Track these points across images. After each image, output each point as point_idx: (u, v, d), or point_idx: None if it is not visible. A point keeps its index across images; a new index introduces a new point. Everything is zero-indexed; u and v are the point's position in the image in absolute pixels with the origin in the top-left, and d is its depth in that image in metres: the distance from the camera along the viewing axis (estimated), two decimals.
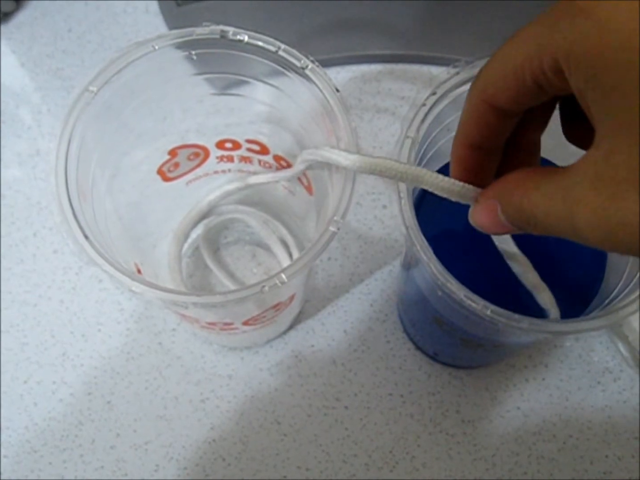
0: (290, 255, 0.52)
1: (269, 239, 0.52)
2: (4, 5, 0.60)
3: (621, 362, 0.52)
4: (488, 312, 0.34)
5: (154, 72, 0.39)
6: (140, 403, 0.52)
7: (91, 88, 0.37)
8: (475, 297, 0.35)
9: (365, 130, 0.58)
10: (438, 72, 0.58)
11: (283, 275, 0.34)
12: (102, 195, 0.39)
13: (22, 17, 0.62)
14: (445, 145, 0.43)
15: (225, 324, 0.43)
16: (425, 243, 0.36)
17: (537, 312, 0.40)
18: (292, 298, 0.44)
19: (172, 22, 0.60)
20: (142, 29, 0.62)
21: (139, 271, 0.42)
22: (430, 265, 0.35)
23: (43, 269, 0.54)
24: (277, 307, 0.42)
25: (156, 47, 0.38)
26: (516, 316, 0.35)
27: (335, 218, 0.35)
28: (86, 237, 0.34)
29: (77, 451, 0.51)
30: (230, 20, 0.58)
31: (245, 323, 0.43)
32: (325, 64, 0.58)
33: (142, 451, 0.51)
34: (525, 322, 0.34)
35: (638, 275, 0.38)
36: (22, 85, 0.59)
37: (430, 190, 0.35)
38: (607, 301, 0.39)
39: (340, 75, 0.60)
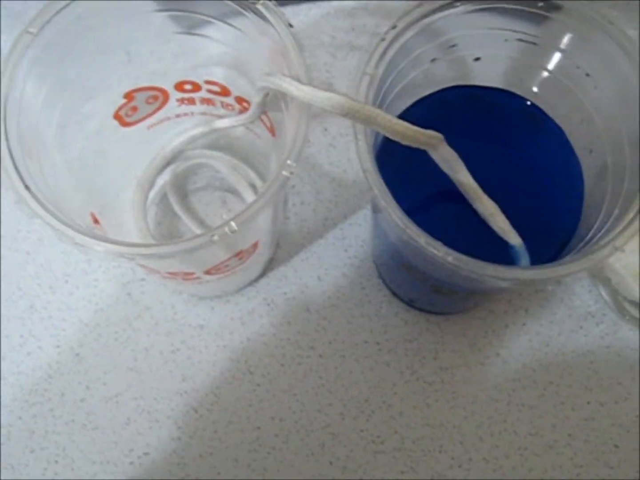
0: None
1: (238, 184, 0.54)
2: None
3: (604, 306, 0.54)
4: (450, 259, 0.35)
5: (99, 10, 0.39)
6: (109, 355, 0.53)
7: (30, 29, 0.37)
8: (436, 243, 0.35)
9: (339, 69, 0.59)
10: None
11: (233, 223, 0.35)
12: (49, 146, 0.40)
13: None
14: (413, 81, 0.44)
15: (186, 273, 0.44)
16: (384, 187, 0.37)
17: (508, 259, 0.41)
18: (255, 245, 0.45)
19: None
20: None
21: (96, 221, 0.43)
22: (389, 211, 0.36)
23: (8, 220, 0.56)
24: (239, 255, 0.43)
25: None
26: (480, 263, 0.35)
27: (288, 162, 0.36)
28: (27, 187, 0.35)
29: (46, 405, 0.53)
30: None
31: (208, 272, 0.44)
32: (296, 1, 0.59)
33: (112, 404, 0.53)
34: (489, 269, 0.35)
35: (613, 216, 0.39)
36: None
37: (383, 133, 0.36)
38: (582, 245, 0.41)
39: (312, 12, 0.61)
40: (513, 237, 0.40)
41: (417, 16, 0.39)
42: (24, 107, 0.37)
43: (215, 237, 0.35)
